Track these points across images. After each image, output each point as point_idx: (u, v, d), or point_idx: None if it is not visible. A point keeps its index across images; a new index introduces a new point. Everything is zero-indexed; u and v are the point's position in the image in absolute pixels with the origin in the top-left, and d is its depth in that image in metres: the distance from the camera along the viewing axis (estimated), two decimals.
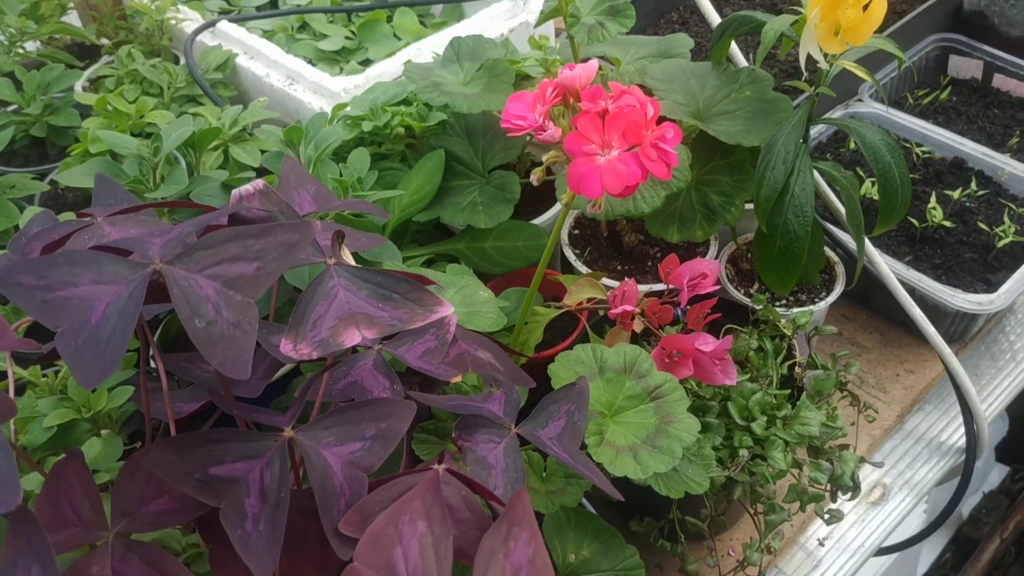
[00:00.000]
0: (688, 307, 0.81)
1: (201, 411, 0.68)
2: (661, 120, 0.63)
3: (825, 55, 0.88)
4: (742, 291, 1.07)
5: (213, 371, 0.66)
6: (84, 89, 1.40)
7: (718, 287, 0.84)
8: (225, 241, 0.50)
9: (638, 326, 0.81)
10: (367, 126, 1.05)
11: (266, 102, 1.29)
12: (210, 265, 0.50)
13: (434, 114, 1.06)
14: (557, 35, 1.42)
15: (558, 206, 1.10)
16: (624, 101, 0.62)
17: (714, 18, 1.06)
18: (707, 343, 0.75)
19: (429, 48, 1.31)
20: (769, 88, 0.98)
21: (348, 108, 1.11)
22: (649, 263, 1.08)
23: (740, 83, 0.99)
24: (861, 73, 0.91)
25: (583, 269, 1.05)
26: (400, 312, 0.53)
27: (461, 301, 0.82)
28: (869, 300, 1.22)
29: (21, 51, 1.37)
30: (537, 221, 1.07)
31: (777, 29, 0.87)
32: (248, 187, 0.59)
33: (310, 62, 1.49)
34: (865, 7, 0.85)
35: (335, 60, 1.50)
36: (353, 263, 0.60)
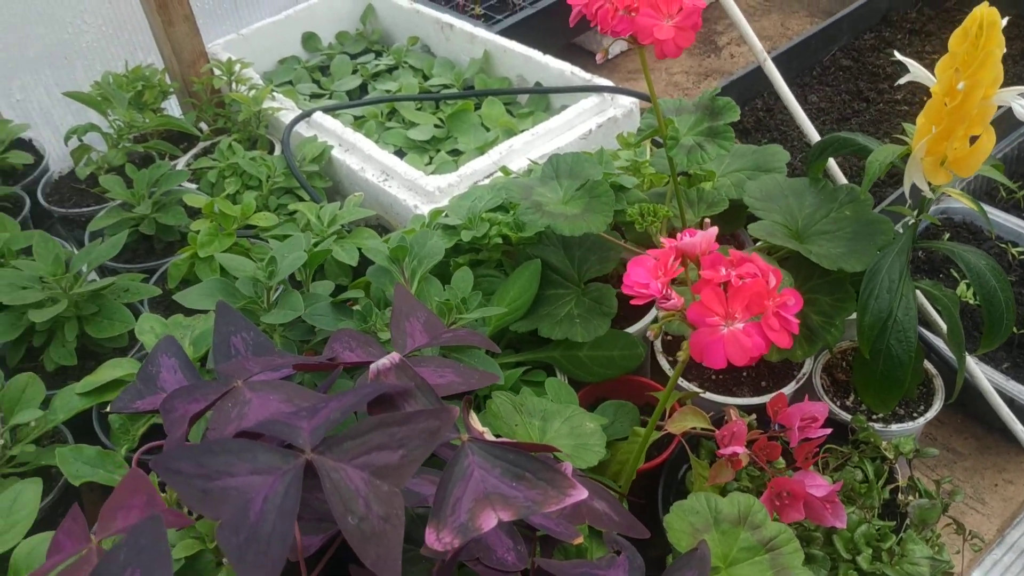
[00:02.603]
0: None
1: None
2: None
3: (930, 184, 0.88)
4: (837, 403, 1.07)
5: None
6: (187, 166, 1.45)
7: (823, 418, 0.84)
8: (371, 430, 0.52)
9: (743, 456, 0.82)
10: (466, 235, 1.08)
11: (361, 197, 1.33)
12: (358, 455, 0.52)
13: (531, 225, 1.08)
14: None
15: (652, 314, 1.11)
16: (745, 269, 0.63)
17: (813, 134, 1.06)
18: (818, 487, 0.75)
19: (519, 147, 1.34)
20: (869, 208, 0.99)
21: (446, 215, 1.13)
22: (744, 373, 1.08)
23: (839, 202, 1.00)
24: (967, 202, 0.91)
25: None
26: (534, 493, 0.55)
27: (568, 432, 0.83)
28: (964, 404, 1.21)
29: (128, 143, 1.43)
30: (631, 330, 1.09)
31: (883, 161, 0.87)
32: (384, 362, 0.61)
33: (400, 151, 1.53)
34: (973, 139, 0.85)
35: (424, 149, 1.54)
36: (478, 425, 0.61)
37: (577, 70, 1.49)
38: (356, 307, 0.96)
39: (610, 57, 2.00)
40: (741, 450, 0.78)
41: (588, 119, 1.40)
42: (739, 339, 0.61)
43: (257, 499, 0.50)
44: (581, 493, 0.55)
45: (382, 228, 1.36)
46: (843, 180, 1.07)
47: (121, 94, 1.44)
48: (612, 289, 1.05)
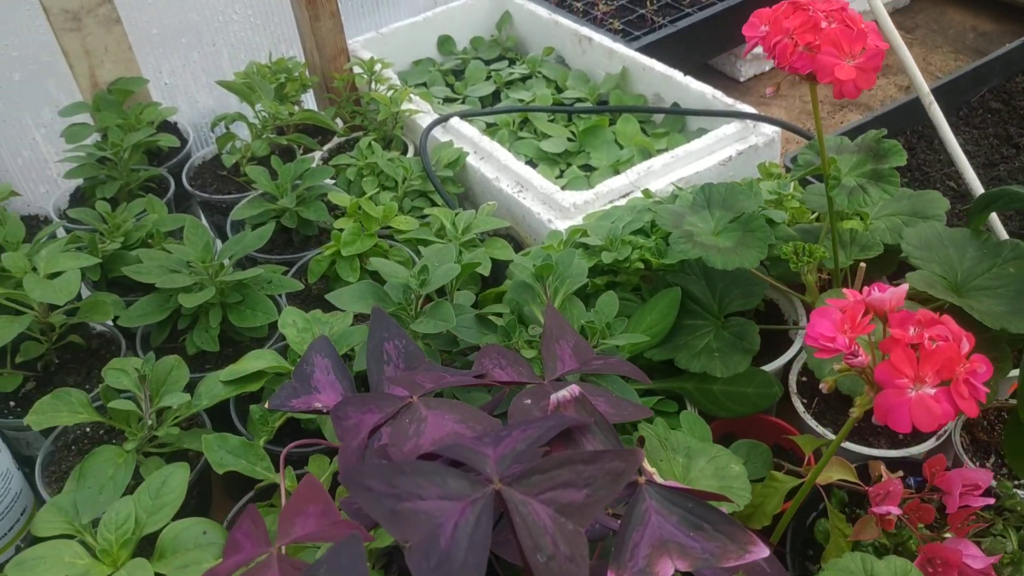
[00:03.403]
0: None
1: None
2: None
3: None
4: (976, 463, 1.03)
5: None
6: (322, 160, 1.48)
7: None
8: (559, 466, 0.52)
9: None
10: (607, 257, 1.07)
11: (495, 207, 1.34)
12: (545, 490, 0.52)
13: (670, 249, 1.07)
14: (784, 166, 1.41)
15: (790, 353, 1.09)
16: (937, 331, 0.61)
17: (975, 184, 1.03)
18: (975, 557, 0.72)
19: (658, 169, 1.33)
20: None
21: (585, 234, 1.13)
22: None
23: (1003, 258, 0.96)
24: None
25: (811, 421, 1.04)
26: (712, 545, 0.54)
27: (713, 473, 0.82)
28: None
29: (271, 135, 1.47)
30: (768, 368, 1.07)
31: None
32: (564, 394, 0.61)
33: (531, 161, 1.53)
34: None
35: (555, 161, 1.53)
36: (647, 464, 0.61)
37: (718, 94, 1.47)
38: (500, 322, 0.96)
39: (742, 80, 1.98)
40: (896, 511, 0.76)
41: (729, 145, 1.38)
42: (928, 404, 0.59)
43: (447, 525, 0.50)
44: (762, 551, 0.54)
45: (511, 239, 1.36)
46: (1004, 234, 1.03)
47: (267, 85, 1.47)
48: (754, 325, 1.03)
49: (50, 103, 1.57)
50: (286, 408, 0.79)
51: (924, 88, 1.04)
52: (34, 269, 1.07)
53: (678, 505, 0.56)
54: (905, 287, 0.64)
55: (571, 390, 0.61)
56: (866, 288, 0.65)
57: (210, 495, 1.06)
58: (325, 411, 0.80)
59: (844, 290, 0.67)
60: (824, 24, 0.85)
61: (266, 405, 0.79)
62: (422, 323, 0.91)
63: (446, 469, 0.52)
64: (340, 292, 0.96)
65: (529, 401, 0.74)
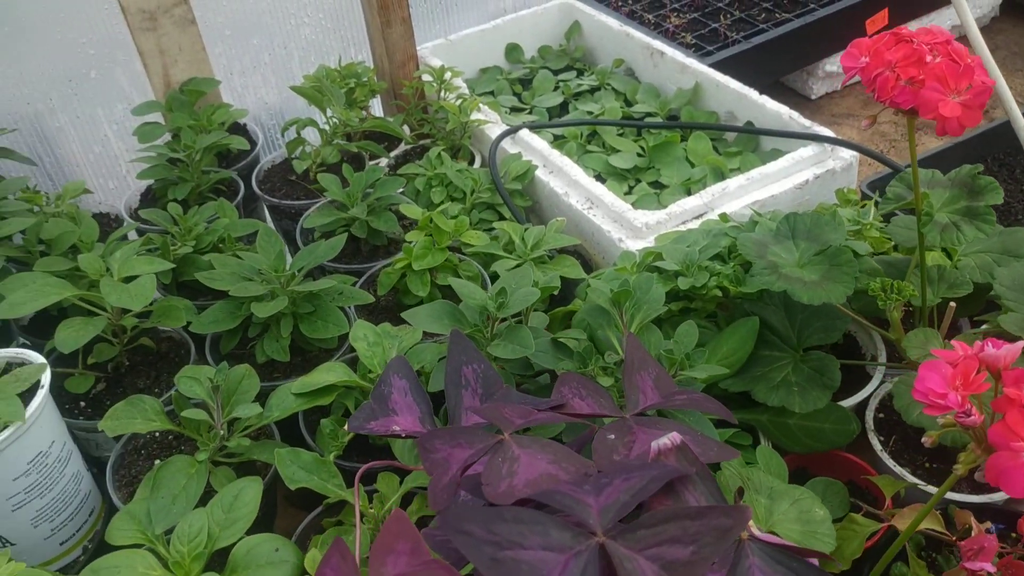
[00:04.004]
0: None
1: None
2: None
3: None
4: None
5: None
6: (388, 167, 1.48)
7: None
8: (665, 521, 0.51)
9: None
10: (683, 283, 1.05)
11: (564, 223, 1.32)
12: (650, 546, 0.50)
13: (753, 280, 1.05)
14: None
15: (868, 389, 1.06)
16: None
17: None
18: None
19: (733, 191, 1.30)
20: None
21: (659, 257, 1.11)
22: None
23: None
24: None
25: (888, 461, 1.01)
26: None
27: (796, 517, 0.80)
28: None
29: (341, 141, 1.46)
30: (845, 403, 1.04)
31: None
32: (665, 441, 0.59)
33: (599, 176, 1.52)
34: None
35: (624, 177, 1.52)
36: (750, 520, 0.59)
37: (795, 115, 1.44)
38: (576, 347, 0.95)
39: (813, 98, 1.94)
40: (990, 568, 0.73)
41: (806, 169, 1.35)
42: None
43: None
44: None
45: (578, 255, 1.34)
46: None
47: (338, 91, 1.47)
48: (835, 360, 1.00)
49: (123, 100, 1.58)
50: (365, 431, 0.78)
51: (1021, 120, 1.00)
52: (108, 271, 1.07)
53: (782, 564, 0.54)
54: (1021, 344, 0.62)
55: (672, 438, 0.59)
56: (978, 343, 0.63)
57: (275, 506, 1.06)
58: (404, 435, 0.79)
59: (954, 342, 0.64)
60: (929, 58, 0.82)
61: (345, 427, 0.78)
62: (499, 347, 0.90)
63: (548, 518, 0.51)
64: (416, 311, 0.95)
65: (613, 436, 0.73)
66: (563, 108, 1.72)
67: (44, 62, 1.48)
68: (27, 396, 0.95)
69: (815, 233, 1.00)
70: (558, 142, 1.58)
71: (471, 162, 1.54)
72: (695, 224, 1.27)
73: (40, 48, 1.46)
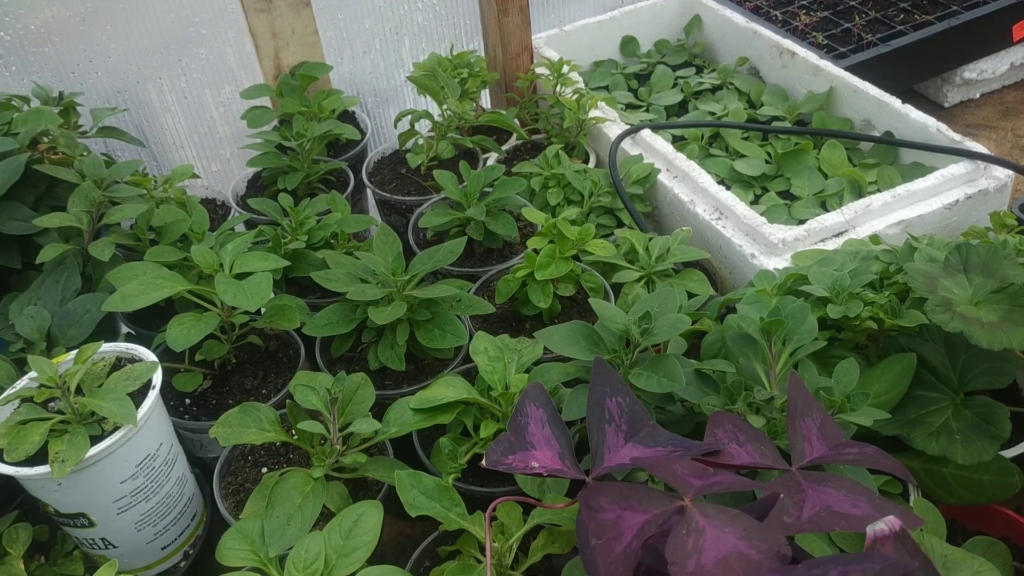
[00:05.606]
0: None
1: None
2: None
3: None
4: None
5: None
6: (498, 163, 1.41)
7: None
8: None
9: None
10: (833, 311, 0.97)
11: (690, 233, 1.24)
12: None
13: (911, 313, 0.96)
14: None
15: None
16: None
17: None
18: None
19: (877, 208, 1.20)
20: None
21: (804, 279, 1.02)
22: None
23: None
24: None
25: None
26: None
27: None
28: None
29: (455, 135, 1.40)
30: (1007, 453, 0.95)
31: None
32: (883, 527, 0.52)
33: (722, 182, 1.43)
34: None
35: (749, 184, 1.42)
36: None
37: (943, 127, 1.33)
38: (721, 380, 0.87)
39: (946, 106, 1.82)
40: None
41: (956, 187, 1.24)
42: None
43: None
44: None
45: (702, 268, 1.26)
46: None
47: (453, 82, 1.40)
48: (1006, 409, 0.91)
49: (232, 82, 1.54)
50: (503, 468, 0.72)
51: None
52: (221, 267, 1.03)
53: None
54: None
55: (890, 523, 0.52)
56: None
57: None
58: (545, 474, 0.72)
59: None
60: None
61: (483, 463, 0.71)
62: (643, 378, 0.83)
63: None
64: (551, 332, 0.88)
65: (783, 496, 0.66)
66: (682, 107, 1.63)
67: (156, 39, 1.44)
68: (138, 396, 0.91)
69: (991, 267, 0.91)
70: (678, 144, 1.49)
71: (586, 161, 1.46)
72: (835, 243, 1.18)
73: (153, 25, 1.43)
